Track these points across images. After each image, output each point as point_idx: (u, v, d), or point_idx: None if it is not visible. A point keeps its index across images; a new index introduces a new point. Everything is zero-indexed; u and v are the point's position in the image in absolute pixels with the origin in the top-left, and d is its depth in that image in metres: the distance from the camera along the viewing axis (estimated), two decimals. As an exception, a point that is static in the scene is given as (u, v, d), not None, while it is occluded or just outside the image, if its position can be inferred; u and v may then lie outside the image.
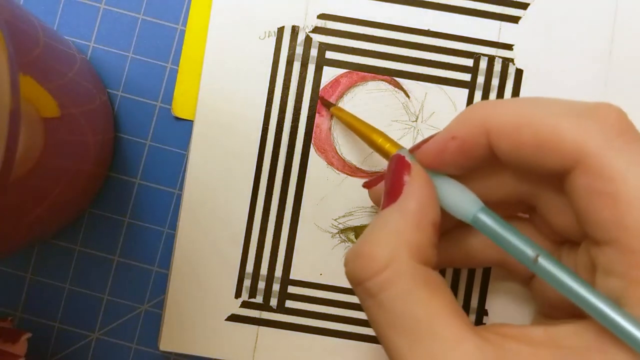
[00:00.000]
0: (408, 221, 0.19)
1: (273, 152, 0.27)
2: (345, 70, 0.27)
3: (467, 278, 0.27)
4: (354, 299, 0.27)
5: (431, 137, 0.21)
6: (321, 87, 0.27)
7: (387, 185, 0.20)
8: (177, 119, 0.28)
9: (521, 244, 0.19)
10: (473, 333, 0.17)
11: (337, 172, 0.27)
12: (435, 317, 0.18)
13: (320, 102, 0.27)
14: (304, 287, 0.27)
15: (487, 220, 0.19)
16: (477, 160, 0.20)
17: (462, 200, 0.20)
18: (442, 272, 0.27)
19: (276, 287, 0.27)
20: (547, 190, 0.21)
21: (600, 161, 0.17)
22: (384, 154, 0.23)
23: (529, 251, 0.18)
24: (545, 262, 0.18)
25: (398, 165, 0.20)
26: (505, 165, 0.20)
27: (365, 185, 0.25)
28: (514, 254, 0.19)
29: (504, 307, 0.27)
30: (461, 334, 0.17)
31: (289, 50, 0.27)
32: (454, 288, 0.27)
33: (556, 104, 0.19)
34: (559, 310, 0.22)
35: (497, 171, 0.21)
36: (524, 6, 0.27)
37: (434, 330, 0.17)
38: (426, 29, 0.27)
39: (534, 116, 0.18)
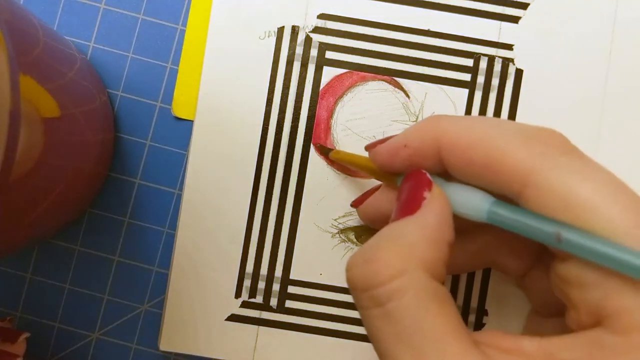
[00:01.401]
0: (426, 236, 0.19)
1: (273, 152, 0.27)
2: (345, 70, 0.27)
3: (467, 278, 0.27)
4: (354, 299, 0.27)
5: (388, 138, 0.22)
6: (321, 87, 0.27)
7: (402, 197, 0.20)
8: (177, 119, 0.28)
9: (540, 224, 0.18)
10: (475, 350, 0.17)
11: (337, 172, 0.27)
12: (442, 333, 0.17)
13: (318, 150, 0.27)
14: (304, 287, 0.27)
15: (502, 210, 0.19)
16: (426, 169, 0.21)
17: (474, 199, 0.20)
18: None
19: (276, 287, 0.27)
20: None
21: (545, 179, 0.18)
22: (389, 181, 0.23)
23: (550, 229, 0.18)
24: (569, 235, 0.18)
25: (419, 180, 0.20)
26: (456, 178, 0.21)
27: (353, 204, 0.26)
28: (534, 237, 0.18)
29: (503, 307, 0.27)
30: (466, 352, 0.17)
31: (289, 50, 0.27)
32: (454, 288, 0.27)
33: (505, 126, 0.19)
34: (550, 307, 0.22)
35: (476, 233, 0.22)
36: (524, 6, 0.27)
37: (440, 346, 0.17)
38: (426, 29, 0.27)
39: (484, 137, 0.19)
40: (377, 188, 0.25)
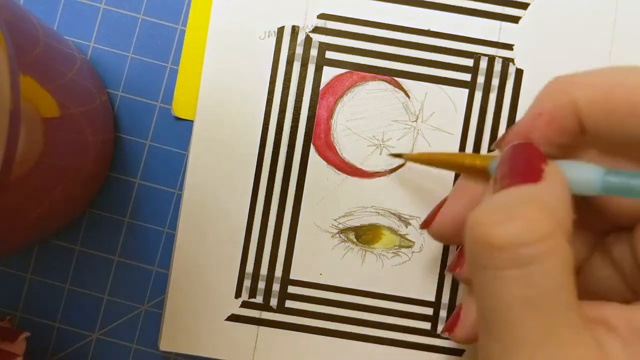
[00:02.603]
0: (561, 202, 0.17)
1: (273, 152, 0.27)
2: (345, 70, 0.27)
3: (467, 278, 0.27)
4: (353, 299, 0.27)
5: (515, 125, 0.20)
6: (321, 87, 0.27)
7: (514, 168, 0.19)
8: (177, 119, 0.28)
9: None
10: (588, 326, 0.17)
11: (337, 172, 0.27)
12: (575, 304, 0.16)
13: (392, 155, 0.26)
14: (304, 287, 0.27)
15: (619, 178, 0.18)
16: (567, 135, 0.19)
17: (587, 172, 0.19)
18: (442, 274, 0.27)
19: (276, 287, 0.27)
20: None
21: None
22: (476, 170, 0.22)
23: None
24: None
25: (533, 152, 0.19)
26: (592, 141, 0.20)
27: (423, 226, 0.24)
28: None
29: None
30: (585, 327, 0.16)
31: (289, 50, 0.27)
32: (454, 285, 0.27)
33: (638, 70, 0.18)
34: (609, 293, 0.21)
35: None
36: (524, 6, 0.27)
37: (571, 316, 0.16)
38: (426, 29, 0.27)
39: (624, 81, 0.18)
40: (444, 201, 0.24)
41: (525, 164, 0.19)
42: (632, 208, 0.20)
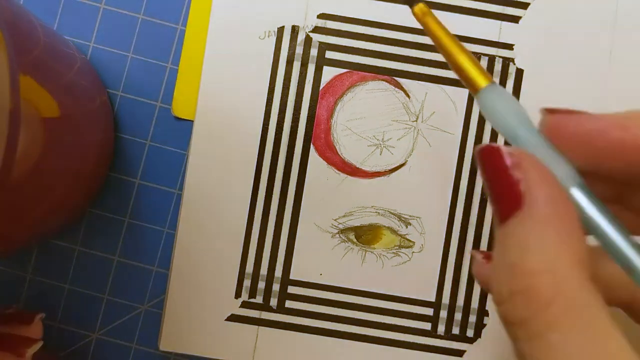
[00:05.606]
0: (557, 231, 0.15)
1: (273, 152, 0.27)
2: (345, 70, 0.27)
3: (468, 279, 0.27)
4: (353, 299, 0.27)
5: (575, 111, 0.17)
6: (321, 87, 0.27)
7: (492, 189, 0.16)
8: (177, 119, 0.28)
9: (618, 235, 0.15)
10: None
11: (337, 172, 0.27)
12: (611, 354, 0.14)
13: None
14: (304, 287, 0.27)
15: (582, 198, 0.15)
16: (621, 170, 0.16)
17: (556, 173, 0.16)
18: (441, 274, 0.27)
19: (276, 287, 0.27)
20: None
21: None
22: (470, 85, 0.18)
23: (631, 253, 0.15)
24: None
25: (496, 159, 0.15)
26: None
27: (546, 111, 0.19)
28: (604, 246, 0.15)
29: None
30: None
31: (289, 50, 0.27)
32: (455, 288, 0.27)
33: None
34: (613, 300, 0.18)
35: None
36: (524, 6, 0.27)
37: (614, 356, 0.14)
38: (426, 29, 0.27)
39: None
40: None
41: (497, 184, 0.16)
42: None
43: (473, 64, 0.18)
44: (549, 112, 0.18)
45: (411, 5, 0.20)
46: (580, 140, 0.16)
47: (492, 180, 0.16)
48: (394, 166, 0.27)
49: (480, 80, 0.18)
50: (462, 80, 0.19)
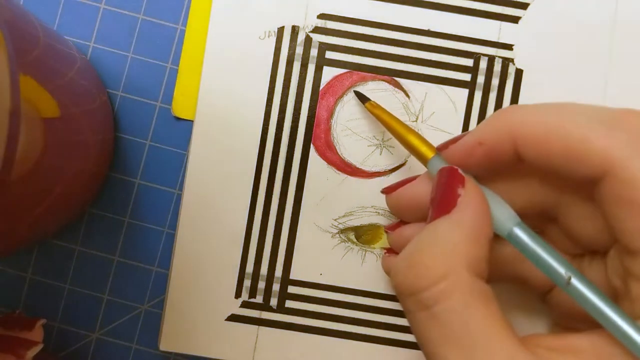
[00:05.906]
0: (465, 234, 0.19)
1: (273, 152, 0.27)
2: (345, 70, 0.27)
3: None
4: (353, 299, 0.27)
5: (458, 137, 0.21)
6: (321, 87, 0.27)
7: (437, 196, 0.20)
8: (177, 119, 0.28)
9: (555, 263, 0.19)
10: (525, 350, 0.17)
11: (337, 172, 0.27)
12: (491, 333, 0.17)
13: (356, 95, 0.27)
14: (304, 287, 0.27)
15: (523, 236, 0.19)
16: (502, 165, 0.20)
17: (501, 214, 0.20)
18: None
19: (276, 287, 0.27)
20: (573, 198, 0.21)
21: (629, 171, 0.17)
22: (419, 156, 0.23)
23: (563, 271, 0.18)
24: (577, 283, 0.18)
25: (451, 177, 0.20)
26: (532, 172, 0.20)
27: (384, 191, 0.25)
28: (546, 272, 0.19)
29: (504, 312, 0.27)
30: (515, 352, 0.17)
31: (289, 50, 0.27)
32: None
33: (584, 111, 0.19)
34: (580, 322, 0.22)
35: (523, 176, 0.21)
36: (524, 6, 0.27)
37: (490, 346, 0.17)
38: (426, 29, 0.27)
39: (562, 125, 0.18)
40: (413, 178, 0.24)
41: (443, 193, 0.20)
42: (602, 236, 0.20)
43: (420, 140, 0.23)
44: (438, 149, 0.22)
45: (364, 102, 0.26)
46: (466, 160, 0.21)
47: (441, 191, 0.20)
48: (394, 166, 0.27)
49: (427, 152, 0.22)
50: (412, 153, 0.23)
